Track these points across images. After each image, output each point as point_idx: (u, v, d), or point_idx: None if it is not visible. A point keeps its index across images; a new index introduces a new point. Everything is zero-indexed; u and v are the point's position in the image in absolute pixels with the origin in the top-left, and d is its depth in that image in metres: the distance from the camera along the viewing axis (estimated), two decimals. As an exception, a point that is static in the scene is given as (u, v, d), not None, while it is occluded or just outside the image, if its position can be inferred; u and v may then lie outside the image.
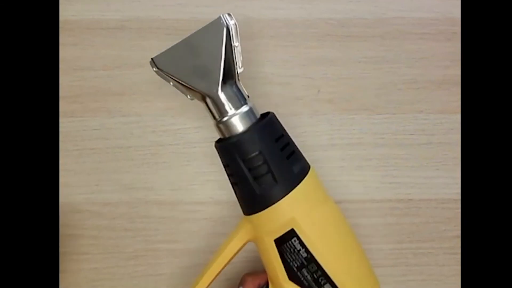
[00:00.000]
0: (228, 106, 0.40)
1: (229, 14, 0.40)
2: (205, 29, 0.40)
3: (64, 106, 0.49)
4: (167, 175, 0.49)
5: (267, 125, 0.39)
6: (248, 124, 0.39)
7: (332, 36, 0.54)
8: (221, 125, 0.40)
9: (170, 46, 0.41)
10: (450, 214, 0.48)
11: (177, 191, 0.48)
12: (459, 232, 0.47)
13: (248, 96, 0.42)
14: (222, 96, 0.40)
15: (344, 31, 0.54)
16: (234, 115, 0.39)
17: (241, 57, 0.41)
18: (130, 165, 0.49)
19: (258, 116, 0.41)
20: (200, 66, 0.40)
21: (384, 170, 0.49)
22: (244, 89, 0.42)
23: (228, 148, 0.39)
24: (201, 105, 0.51)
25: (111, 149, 0.50)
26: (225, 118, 0.40)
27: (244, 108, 0.40)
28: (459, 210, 0.48)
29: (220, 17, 0.40)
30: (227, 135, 0.40)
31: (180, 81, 0.41)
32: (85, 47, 0.46)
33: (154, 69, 0.41)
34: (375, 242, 0.47)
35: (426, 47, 0.53)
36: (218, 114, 0.40)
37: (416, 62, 0.53)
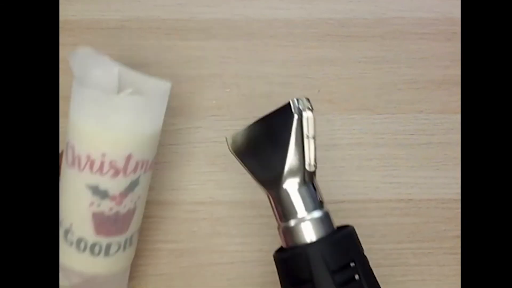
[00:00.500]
0: (292, 208, 0.33)
1: (307, 100, 0.34)
2: (278, 112, 0.34)
3: (64, 106, 0.49)
4: (167, 175, 0.49)
5: (340, 242, 0.32)
6: (316, 236, 0.32)
7: (332, 36, 0.54)
8: (282, 232, 0.34)
9: (247, 125, 0.36)
10: (450, 214, 0.48)
11: (177, 191, 0.48)
12: (459, 232, 0.47)
13: (323, 202, 0.34)
14: (284, 195, 0.33)
15: (344, 31, 0.54)
16: (299, 220, 0.33)
17: (314, 152, 0.34)
18: (130, 165, 0.49)
19: (334, 227, 0.34)
20: (265, 156, 0.34)
21: (384, 170, 0.49)
22: (320, 191, 0.35)
23: (288, 261, 0.32)
24: (201, 105, 0.51)
25: (111, 149, 0.50)
26: (287, 223, 0.33)
27: (315, 214, 0.33)
28: (459, 210, 0.48)
29: (289, 102, 0.33)
30: (287, 244, 0.33)
31: (247, 169, 0.36)
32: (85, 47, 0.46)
33: (229, 148, 0.36)
34: (375, 242, 0.47)
35: (426, 47, 0.53)
36: (280, 216, 0.34)
37: (416, 62, 0.53)
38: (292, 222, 0.33)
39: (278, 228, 0.34)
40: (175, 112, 0.50)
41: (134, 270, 0.46)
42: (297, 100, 0.33)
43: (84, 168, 0.34)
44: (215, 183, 0.49)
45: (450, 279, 0.46)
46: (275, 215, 0.35)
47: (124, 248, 0.38)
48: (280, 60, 0.53)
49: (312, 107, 0.34)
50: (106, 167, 0.34)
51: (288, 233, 0.33)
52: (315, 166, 0.34)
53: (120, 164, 0.35)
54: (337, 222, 0.48)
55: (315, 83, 0.52)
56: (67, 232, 0.36)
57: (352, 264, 0.32)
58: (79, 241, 0.36)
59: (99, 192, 0.35)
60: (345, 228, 0.34)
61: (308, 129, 0.33)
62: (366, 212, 0.48)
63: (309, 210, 0.33)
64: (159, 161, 0.49)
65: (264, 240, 0.47)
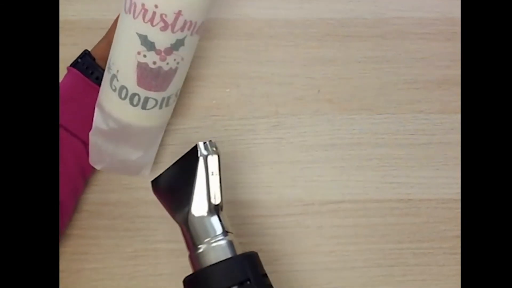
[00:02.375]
0: (197, 237, 0.37)
1: (210, 142, 0.39)
2: (188, 155, 0.39)
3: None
4: (167, 175, 0.49)
5: (236, 264, 0.36)
6: (217, 260, 0.36)
7: (332, 36, 0.54)
8: (190, 259, 0.38)
9: (166, 168, 0.41)
10: (450, 214, 0.48)
11: (177, 191, 0.48)
12: (459, 232, 0.47)
13: (228, 232, 0.38)
14: (191, 226, 0.37)
15: (344, 31, 0.54)
16: (205, 247, 0.36)
17: (220, 187, 0.38)
18: (130, 165, 0.49)
19: (236, 253, 0.37)
20: (177, 194, 0.39)
21: (384, 170, 0.49)
22: (225, 221, 0.38)
23: (191, 283, 0.36)
24: (201, 105, 0.51)
25: (111, 149, 0.50)
26: (193, 251, 0.37)
27: (218, 242, 0.36)
28: (459, 210, 0.48)
29: (196, 145, 0.38)
30: (194, 269, 0.37)
31: (164, 207, 0.41)
32: (85, 47, 0.46)
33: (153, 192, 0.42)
34: (375, 242, 0.47)
35: (426, 47, 0.53)
36: (189, 245, 0.38)
37: (416, 62, 0.53)
38: (197, 249, 0.37)
39: (189, 257, 0.38)
40: (175, 112, 0.50)
41: (134, 270, 0.46)
42: (203, 143, 0.38)
43: (137, 16, 0.36)
44: (215, 183, 0.49)
45: (450, 279, 0.46)
46: (186, 246, 0.38)
47: (161, 106, 0.41)
48: (280, 60, 0.53)
49: (217, 148, 0.38)
50: (157, 18, 0.36)
51: (195, 259, 0.37)
52: (220, 199, 0.38)
53: (170, 18, 0.36)
54: (337, 222, 0.48)
55: (315, 83, 0.52)
56: (113, 78, 0.39)
57: (248, 283, 0.35)
58: (121, 88, 0.39)
59: (147, 43, 0.37)
60: (246, 253, 0.37)
61: (212, 168, 0.38)
62: (366, 212, 0.48)
63: (212, 238, 0.37)
64: (159, 161, 0.49)
65: (264, 240, 0.47)
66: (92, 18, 0.51)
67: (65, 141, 0.42)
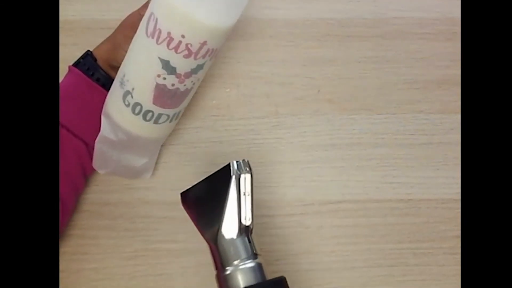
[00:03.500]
0: (226, 258, 0.36)
1: (243, 161, 0.38)
2: (220, 172, 0.38)
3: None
4: (167, 175, 0.49)
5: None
6: (245, 283, 0.35)
7: (332, 36, 0.54)
8: (218, 279, 0.37)
9: (195, 183, 0.40)
10: (450, 214, 0.48)
11: (177, 191, 0.48)
12: (459, 232, 0.47)
13: (257, 255, 0.37)
14: (220, 246, 0.36)
15: (344, 31, 0.54)
16: (233, 269, 0.36)
17: (251, 208, 0.37)
18: (130, 165, 0.49)
19: (266, 277, 0.36)
20: (208, 211, 0.38)
21: (384, 170, 0.49)
22: (254, 244, 0.38)
23: None
24: (201, 105, 0.51)
25: (111, 149, 0.50)
26: (222, 272, 0.36)
27: (247, 265, 0.36)
28: (459, 210, 0.48)
29: (229, 163, 0.37)
30: None
31: (194, 223, 0.39)
32: (85, 47, 0.46)
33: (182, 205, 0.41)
34: (375, 242, 0.47)
35: (426, 47, 0.53)
36: (217, 265, 0.37)
37: (416, 62, 0.53)
38: (226, 271, 0.36)
39: (216, 277, 0.37)
40: (175, 112, 0.50)
41: (134, 270, 0.46)
42: (237, 162, 0.37)
43: (161, 42, 0.37)
44: (215, 183, 0.49)
45: (450, 279, 0.46)
46: (214, 265, 0.38)
47: (171, 120, 0.42)
48: (280, 60, 0.53)
49: (250, 168, 0.38)
50: (182, 47, 0.37)
51: (223, 280, 0.36)
52: (251, 220, 0.37)
53: (195, 47, 0.37)
54: (337, 222, 0.48)
55: (315, 83, 0.52)
56: (127, 93, 0.40)
57: None
58: (136, 104, 0.40)
59: (168, 67, 0.38)
60: (275, 279, 0.37)
61: (245, 188, 0.37)
62: (366, 212, 0.48)
63: (242, 260, 0.36)
64: (159, 161, 0.49)
65: (264, 240, 0.47)
66: (92, 18, 0.52)
67: (66, 141, 0.42)
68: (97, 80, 0.44)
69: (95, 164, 0.45)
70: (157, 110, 0.40)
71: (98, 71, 0.44)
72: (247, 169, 0.38)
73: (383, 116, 0.51)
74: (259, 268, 0.36)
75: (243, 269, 0.36)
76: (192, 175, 0.49)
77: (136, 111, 0.40)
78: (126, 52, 0.41)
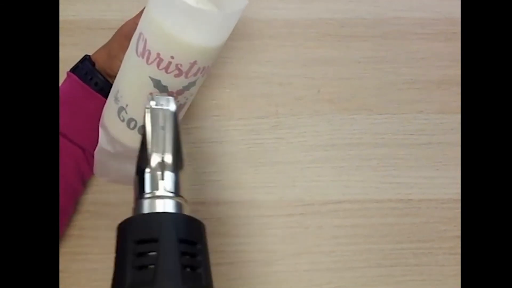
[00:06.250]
0: (148, 186, 0.34)
1: (163, 97, 0.36)
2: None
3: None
4: (167, 175, 0.49)
5: (180, 221, 0.33)
6: (159, 210, 0.33)
7: (332, 36, 0.54)
8: (134, 205, 0.35)
9: None
10: (450, 214, 0.48)
11: (177, 191, 0.48)
12: (459, 232, 0.47)
13: (182, 198, 0.35)
14: (135, 178, 0.35)
15: (344, 31, 0.54)
16: (151, 197, 0.34)
17: (171, 146, 0.35)
18: (130, 165, 0.49)
19: (184, 213, 0.34)
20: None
21: (384, 170, 0.49)
22: (180, 184, 0.35)
23: (124, 226, 0.34)
24: (201, 105, 0.51)
25: (111, 149, 0.50)
26: (141, 199, 0.34)
27: (168, 199, 0.34)
28: (459, 210, 0.48)
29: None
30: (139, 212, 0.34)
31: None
32: (85, 47, 0.46)
33: None
34: (375, 242, 0.47)
35: (426, 47, 0.53)
36: (138, 193, 0.35)
37: (416, 62, 0.53)
38: (142, 198, 0.34)
39: (136, 201, 0.35)
40: (175, 112, 0.50)
41: (134, 270, 0.46)
42: (156, 96, 0.36)
43: (152, 63, 0.37)
44: (215, 183, 0.49)
45: (450, 279, 0.46)
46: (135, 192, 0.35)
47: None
48: (280, 60, 0.53)
49: (173, 104, 0.36)
50: (172, 67, 0.37)
51: (144, 205, 0.34)
52: (170, 156, 0.35)
53: (185, 68, 0.37)
54: (337, 222, 0.48)
55: (315, 83, 0.52)
56: (121, 109, 0.40)
57: (198, 246, 0.32)
58: (130, 120, 0.40)
59: (159, 86, 0.38)
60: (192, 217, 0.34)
61: (164, 122, 0.36)
62: (366, 212, 0.48)
63: (161, 192, 0.34)
64: (159, 161, 0.49)
65: (264, 240, 0.47)
66: (92, 18, 0.52)
67: (63, 148, 0.42)
68: (95, 85, 0.44)
69: (96, 172, 0.45)
70: None
71: (97, 76, 0.44)
72: (168, 104, 0.36)
73: (383, 116, 0.51)
74: (174, 203, 0.34)
75: (156, 198, 0.34)
76: (192, 175, 0.49)
77: (131, 126, 0.40)
78: (121, 62, 0.40)
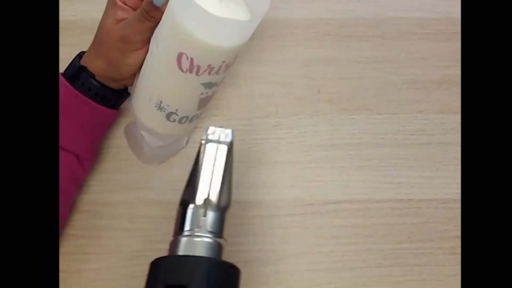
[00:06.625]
0: (183, 225, 0.34)
1: (224, 129, 0.36)
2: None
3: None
4: (167, 175, 0.49)
5: (214, 268, 0.32)
6: (197, 253, 0.32)
7: (332, 36, 0.54)
8: (172, 240, 0.35)
9: None
10: (450, 214, 0.48)
11: (177, 191, 0.48)
12: (459, 232, 0.47)
13: (216, 235, 0.34)
14: (179, 211, 0.34)
15: (344, 31, 0.54)
16: (183, 238, 0.33)
17: (219, 186, 0.34)
18: (130, 165, 0.49)
19: (220, 259, 0.34)
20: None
21: (384, 170, 0.49)
22: (223, 224, 0.35)
23: (157, 265, 0.33)
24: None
25: (111, 148, 0.50)
26: (180, 236, 0.34)
27: (207, 239, 0.33)
28: (459, 210, 0.48)
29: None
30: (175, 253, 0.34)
31: None
32: (85, 47, 0.46)
33: None
34: (375, 242, 0.47)
35: (426, 47, 0.53)
36: (178, 228, 0.35)
37: (416, 62, 0.53)
38: (177, 236, 0.34)
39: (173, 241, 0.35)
40: (175, 112, 0.50)
41: (134, 270, 0.46)
42: (214, 128, 0.36)
43: (203, 73, 0.40)
44: (215, 183, 0.49)
45: (450, 279, 0.46)
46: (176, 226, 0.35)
47: (198, 117, 0.47)
48: (280, 60, 0.53)
49: (231, 140, 0.35)
50: (222, 69, 0.41)
51: (181, 244, 0.34)
52: (218, 197, 0.34)
53: (217, 67, 0.40)
54: (337, 222, 0.48)
55: (315, 83, 0.52)
56: (171, 114, 0.43)
57: None
58: (182, 118, 0.44)
59: (210, 85, 0.42)
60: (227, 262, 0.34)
61: (215, 159, 0.35)
62: (366, 212, 0.48)
63: (194, 232, 0.33)
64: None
65: (264, 240, 0.47)
66: (92, 18, 0.51)
67: None
68: (89, 90, 0.43)
69: (147, 161, 0.49)
70: (197, 112, 0.45)
71: (95, 86, 0.43)
72: (226, 139, 0.35)
73: (383, 116, 0.51)
74: (215, 246, 0.33)
75: (197, 239, 0.33)
76: (192, 175, 0.49)
77: (183, 121, 0.44)
78: (128, 65, 0.41)
